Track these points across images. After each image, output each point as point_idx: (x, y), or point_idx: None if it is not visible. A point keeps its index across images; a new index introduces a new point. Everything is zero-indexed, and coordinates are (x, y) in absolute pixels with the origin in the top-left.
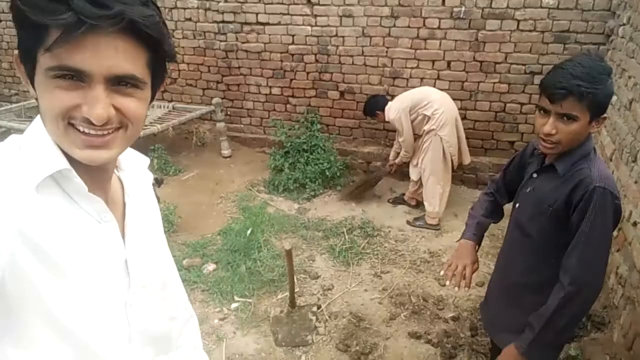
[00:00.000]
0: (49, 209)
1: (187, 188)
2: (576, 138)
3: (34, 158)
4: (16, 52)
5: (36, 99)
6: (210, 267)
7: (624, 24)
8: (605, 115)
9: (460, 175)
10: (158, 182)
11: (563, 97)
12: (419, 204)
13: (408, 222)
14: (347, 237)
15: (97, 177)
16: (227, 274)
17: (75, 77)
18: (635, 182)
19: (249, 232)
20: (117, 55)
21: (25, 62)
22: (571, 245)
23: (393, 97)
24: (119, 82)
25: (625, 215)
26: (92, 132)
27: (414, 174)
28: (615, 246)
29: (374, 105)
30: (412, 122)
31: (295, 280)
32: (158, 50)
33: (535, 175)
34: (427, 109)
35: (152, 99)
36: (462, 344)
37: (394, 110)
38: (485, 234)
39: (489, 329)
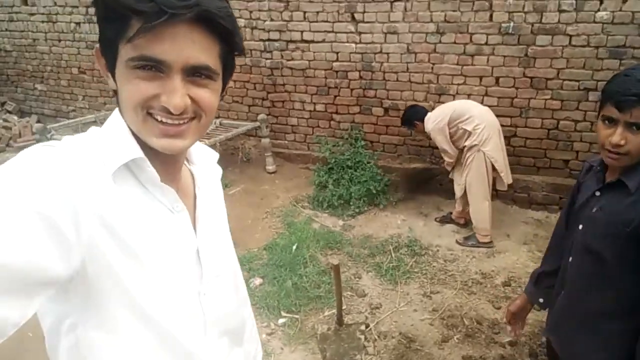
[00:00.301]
0: (124, 196)
1: (233, 202)
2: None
3: (110, 147)
4: (97, 46)
5: (114, 91)
6: (257, 281)
7: None
8: None
9: (512, 194)
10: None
11: (633, 104)
12: (467, 223)
13: (458, 242)
14: (393, 255)
15: (169, 168)
16: (274, 288)
17: (154, 67)
18: None
19: (294, 247)
20: (193, 46)
21: (107, 55)
22: None
23: (434, 108)
24: (194, 73)
25: None
26: (169, 121)
27: (458, 191)
28: None
29: (413, 115)
30: (451, 135)
31: (343, 298)
32: (230, 43)
33: (598, 193)
34: (468, 123)
35: (223, 91)
36: None
37: (432, 121)
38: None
39: (563, 355)
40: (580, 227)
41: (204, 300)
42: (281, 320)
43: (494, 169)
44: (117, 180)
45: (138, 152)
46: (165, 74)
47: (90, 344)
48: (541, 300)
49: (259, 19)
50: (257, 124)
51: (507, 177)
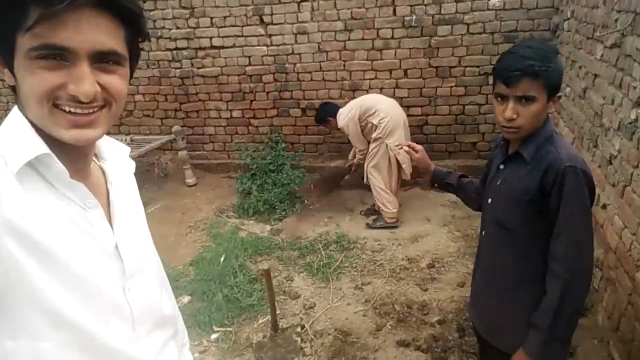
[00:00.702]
0: (32, 197)
1: (153, 221)
2: (537, 120)
3: (12, 146)
4: None
5: (12, 87)
6: (185, 299)
7: (568, 18)
8: (560, 93)
9: (428, 180)
10: None
11: (518, 79)
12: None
13: (368, 225)
14: (323, 253)
15: (77, 163)
16: (204, 304)
17: (58, 56)
18: (599, 167)
19: (222, 259)
20: (99, 31)
21: (1, 48)
22: (555, 231)
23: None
24: (102, 59)
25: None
26: (78, 111)
27: (356, 165)
28: None
29: (326, 113)
30: (362, 129)
31: (276, 303)
32: (135, 26)
33: (502, 166)
34: (375, 117)
35: (131, 77)
36: (452, 347)
37: (344, 116)
38: (459, 233)
39: (483, 331)
40: (489, 200)
41: (130, 296)
42: (214, 336)
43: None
44: (21, 180)
45: (43, 148)
46: (70, 62)
47: (6, 353)
48: (436, 185)
49: (163, 27)
50: (172, 136)
51: (408, 168)
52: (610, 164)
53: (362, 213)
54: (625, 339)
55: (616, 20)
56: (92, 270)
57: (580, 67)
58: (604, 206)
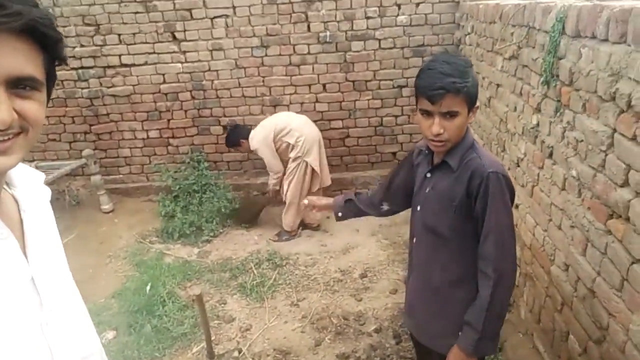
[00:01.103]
0: None
1: (67, 253)
2: (461, 132)
3: None
4: None
5: None
6: (110, 334)
7: (469, 33)
8: (477, 104)
9: (354, 190)
10: None
11: (442, 96)
12: (319, 225)
13: (272, 240)
14: (256, 272)
15: None
16: (131, 338)
17: None
18: (509, 169)
19: (148, 288)
20: (16, 55)
21: None
22: (483, 234)
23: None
24: (18, 85)
25: None
26: None
27: (272, 193)
28: None
29: (236, 135)
30: (277, 149)
31: (210, 329)
32: (53, 51)
33: (429, 175)
34: (290, 137)
35: (48, 102)
36: (390, 354)
37: (256, 140)
38: (387, 241)
39: (422, 337)
40: (418, 208)
41: (47, 331)
42: None
43: (313, 174)
44: None
45: None
46: None
47: None
48: (340, 214)
49: (67, 46)
50: (83, 161)
51: (326, 179)
52: (518, 166)
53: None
54: (547, 329)
55: (512, 34)
56: (5, 305)
57: (483, 78)
58: (517, 206)
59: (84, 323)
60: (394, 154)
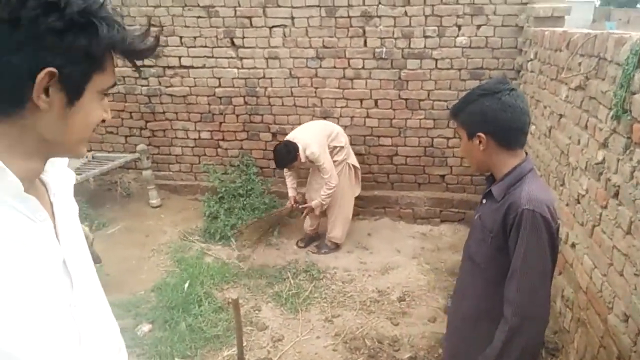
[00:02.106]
0: None
1: (114, 243)
2: (469, 158)
3: None
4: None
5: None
6: (145, 327)
7: (531, 59)
8: (480, 133)
9: (398, 211)
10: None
11: (450, 118)
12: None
13: (313, 252)
14: (292, 282)
15: (27, 177)
16: (165, 333)
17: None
18: (567, 205)
19: (186, 285)
20: None
21: (79, 84)
22: (509, 273)
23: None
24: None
25: (562, 238)
26: None
27: (319, 209)
28: (557, 269)
29: (290, 153)
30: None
31: (243, 334)
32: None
33: (484, 201)
34: (338, 140)
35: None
36: None
37: (314, 147)
38: (429, 266)
39: None
40: (469, 233)
41: (75, 312)
42: None
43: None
44: None
45: None
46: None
47: None
48: None
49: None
50: (137, 155)
51: (358, 187)
52: (578, 203)
53: (300, 245)
54: None
55: (579, 63)
56: (42, 286)
57: (545, 107)
58: (573, 245)
59: (106, 307)
60: (443, 176)
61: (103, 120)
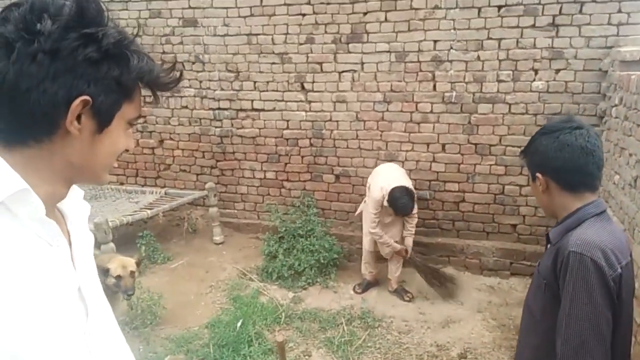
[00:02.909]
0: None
1: (175, 277)
2: (539, 200)
3: None
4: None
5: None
6: None
7: (616, 105)
8: (539, 174)
9: (464, 260)
10: (138, 263)
11: (521, 160)
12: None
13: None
14: (345, 328)
15: (50, 202)
16: None
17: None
18: None
19: (239, 324)
20: None
21: (110, 112)
22: (557, 324)
23: None
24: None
25: None
26: None
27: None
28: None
29: (413, 196)
30: None
31: None
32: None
33: (549, 246)
34: None
35: None
36: None
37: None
38: (495, 322)
39: None
40: (530, 283)
41: (89, 340)
42: None
43: None
44: None
45: (22, 184)
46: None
47: None
48: None
49: (209, 88)
50: (205, 192)
51: None
52: None
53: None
54: None
55: None
56: (56, 310)
57: (630, 155)
58: None
59: (120, 336)
60: (514, 226)
61: (127, 150)
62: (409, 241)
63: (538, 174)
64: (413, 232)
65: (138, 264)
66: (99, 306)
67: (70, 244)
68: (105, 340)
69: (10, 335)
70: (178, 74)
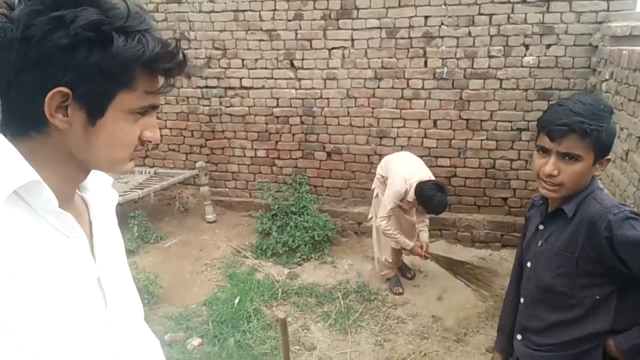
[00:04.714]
0: (14, 225)
1: (169, 256)
2: (580, 181)
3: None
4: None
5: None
6: (195, 341)
7: (606, 79)
8: (609, 157)
9: (455, 233)
10: None
11: (564, 134)
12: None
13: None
14: (342, 302)
15: (63, 192)
16: (214, 348)
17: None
18: None
19: (236, 301)
20: None
21: (98, 102)
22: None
23: (381, 156)
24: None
25: None
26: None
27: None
28: None
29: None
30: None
31: (290, 354)
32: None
33: (541, 227)
34: None
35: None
36: None
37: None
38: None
39: None
40: (529, 264)
41: (110, 331)
42: None
43: None
44: (6, 206)
45: (33, 175)
46: (149, 113)
47: None
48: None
49: (195, 66)
50: (195, 172)
51: None
52: None
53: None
54: None
55: None
56: (74, 303)
57: (622, 129)
58: None
59: (143, 326)
60: (505, 199)
61: (149, 141)
62: (425, 236)
63: (609, 157)
64: (428, 224)
65: None
66: (122, 297)
67: (92, 234)
68: (128, 331)
69: (23, 326)
70: (181, 56)
